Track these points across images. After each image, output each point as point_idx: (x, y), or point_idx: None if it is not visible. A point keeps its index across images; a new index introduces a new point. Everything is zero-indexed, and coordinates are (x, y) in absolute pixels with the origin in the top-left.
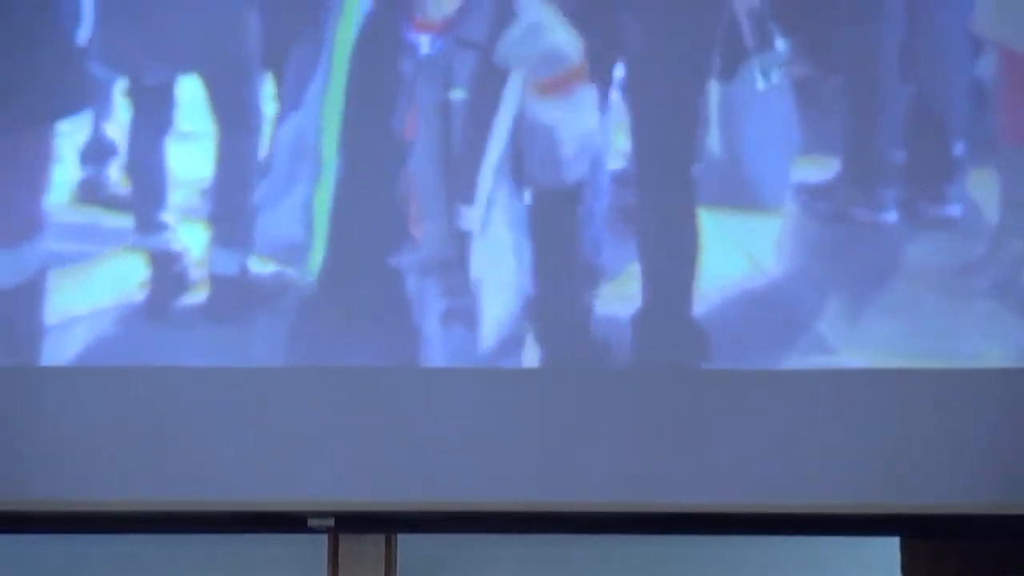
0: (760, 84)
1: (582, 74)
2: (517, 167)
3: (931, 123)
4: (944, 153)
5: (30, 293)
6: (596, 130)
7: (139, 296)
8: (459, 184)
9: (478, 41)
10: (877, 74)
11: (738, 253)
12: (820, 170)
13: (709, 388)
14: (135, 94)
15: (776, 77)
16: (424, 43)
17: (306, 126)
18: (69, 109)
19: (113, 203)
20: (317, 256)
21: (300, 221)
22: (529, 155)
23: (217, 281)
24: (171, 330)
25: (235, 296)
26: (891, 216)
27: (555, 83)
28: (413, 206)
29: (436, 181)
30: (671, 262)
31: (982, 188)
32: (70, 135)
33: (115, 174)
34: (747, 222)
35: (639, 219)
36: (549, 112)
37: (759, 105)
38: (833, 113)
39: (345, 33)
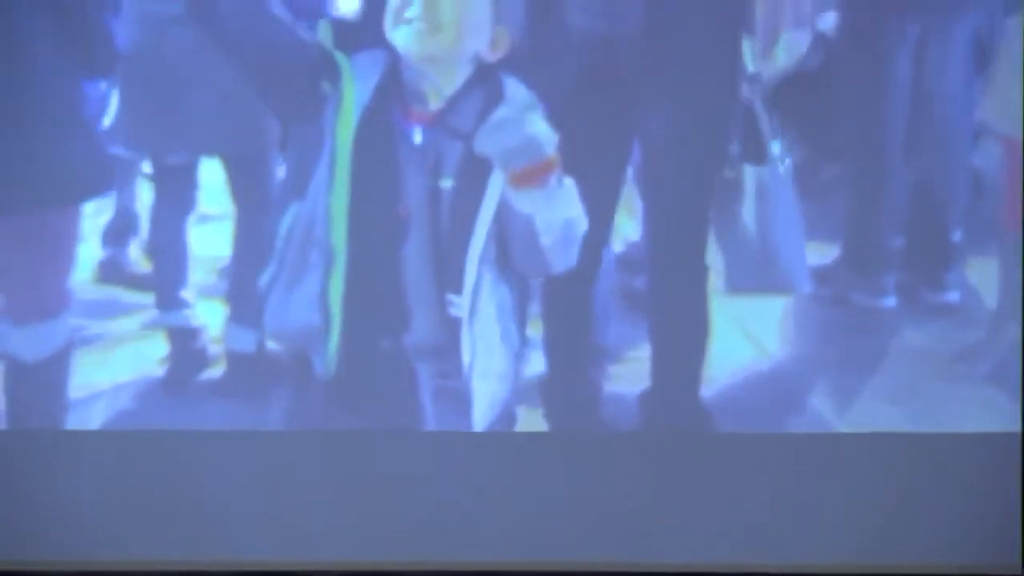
0: (769, 172)
1: (555, 165)
2: (501, 256)
3: (931, 211)
4: (943, 241)
5: (56, 367)
6: (577, 218)
7: (159, 371)
8: (449, 272)
9: (466, 132)
10: (879, 163)
11: (742, 336)
12: (821, 255)
13: (710, 453)
14: (157, 177)
15: (784, 165)
16: (417, 133)
17: (315, 215)
18: (94, 191)
19: (134, 281)
20: (334, 340)
21: (317, 308)
22: (511, 244)
23: (234, 358)
24: (189, 404)
25: (251, 372)
26: (890, 301)
27: (528, 174)
28: (410, 293)
29: (428, 269)
30: (682, 345)
31: (980, 275)
32: (94, 216)
33: (136, 253)
34: (753, 305)
35: (651, 303)
36: (526, 202)
37: (769, 192)
38: (835, 200)
39: (346, 125)
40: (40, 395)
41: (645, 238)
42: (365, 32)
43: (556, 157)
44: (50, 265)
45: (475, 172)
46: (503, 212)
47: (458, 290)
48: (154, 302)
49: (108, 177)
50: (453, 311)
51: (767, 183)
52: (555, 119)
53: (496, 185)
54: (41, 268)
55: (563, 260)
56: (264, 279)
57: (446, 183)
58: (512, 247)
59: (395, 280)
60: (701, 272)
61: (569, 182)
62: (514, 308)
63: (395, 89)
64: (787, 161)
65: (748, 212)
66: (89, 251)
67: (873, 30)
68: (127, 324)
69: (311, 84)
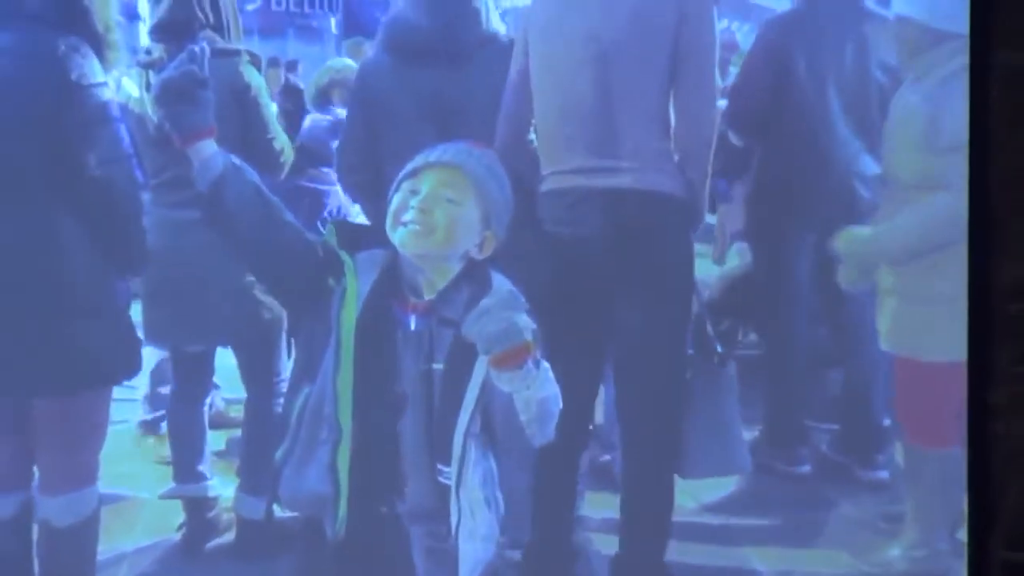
0: (716, 371)
1: (531, 350)
2: (486, 430)
3: (862, 401)
4: (874, 426)
5: (86, 532)
6: (553, 397)
7: (176, 536)
8: (440, 444)
9: (456, 320)
10: (796, 356)
11: (696, 507)
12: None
13: None
14: (176, 365)
15: (728, 366)
16: (412, 321)
17: (324, 396)
18: (124, 374)
19: (156, 457)
20: (342, 507)
21: (328, 479)
22: (495, 419)
23: (244, 524)
24: (205, 566)
25: (260, 537)
26: (805, 468)
27: (507, 357)
28: (407, 463)
29: (422, 442)
30: (649, 515)
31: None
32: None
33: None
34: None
35: (623, 481)
36: (506, 382)
37: (716, 389)
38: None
39: (349, 316)
40: (71, 558)
41: (619, 422)
42: (367, 233)
43: (533, 342)
44: (83, 441)
45: (463, 356)
46: (487, 391)
47: (448, 461)
48: (172, 475)
49: (137, 362)
50: (443, 479)
51: (714, 381)
52: (534, 309)
53: (481, 368)
54: (75, 444)
55: (541, 435)
56: (280, 454)
57: (438, 366)
58: (495, 422)
59: (394, 452)
60: (670, 454)
61: (545, 365)
62: (498, 477)
63: (393, 282)
64: (731, 363)
65: (697, 408)
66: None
67: (774, 237)
68: (148, 494)
69: (318, 280)
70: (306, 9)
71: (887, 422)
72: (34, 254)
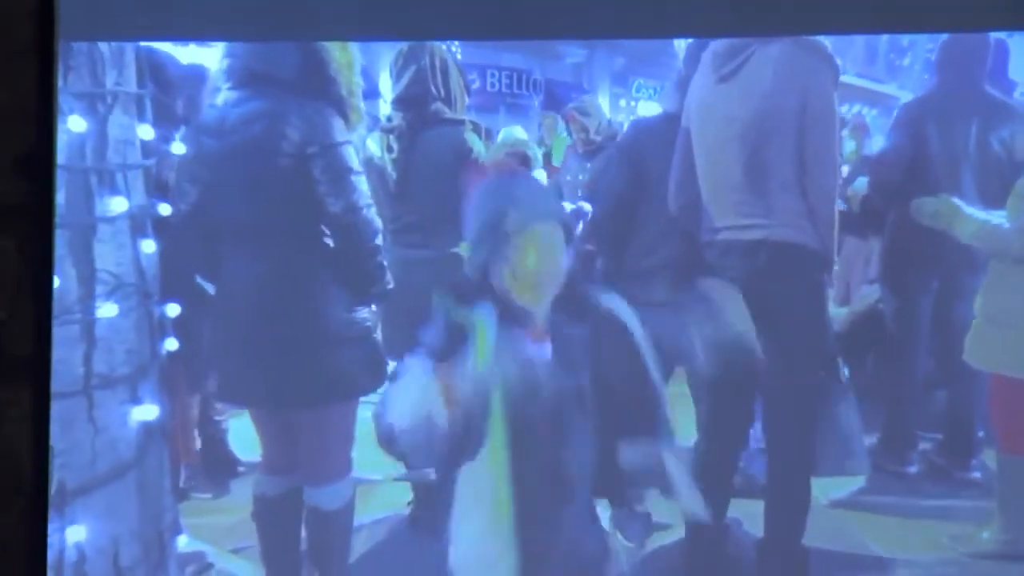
0: (845, 388)
1: None
2: None
3: (961, 415)
4: (970, 436)
5: (346, 515)
6: None
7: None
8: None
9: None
10: (912, 378)
11: (826, 501)
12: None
13: None
14: None
15: (846, 378)
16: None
17: None
18: (369, 388)
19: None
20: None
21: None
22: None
23: None
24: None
25: None
26: (913, 468)
27: None
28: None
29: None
30: (789, 516)
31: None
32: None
33: None
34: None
35: (769, 480)
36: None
37: (838, 401)
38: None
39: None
40: (334, 534)
41: (764, 434)
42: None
43: None
44: (338, 444)
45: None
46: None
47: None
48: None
49: (381, 377)
50: None
51: (839, 400)
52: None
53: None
54: (330, 446)
55: None
56: None
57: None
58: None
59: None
60: (807, 458)
61: None
62: None
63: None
64: (852, 384)
65: (825, 420)
66: None
67: (904, 283)
68: (382, 476)
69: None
70: (515, 90)
71: (981, 433)
72: (292, 292)
